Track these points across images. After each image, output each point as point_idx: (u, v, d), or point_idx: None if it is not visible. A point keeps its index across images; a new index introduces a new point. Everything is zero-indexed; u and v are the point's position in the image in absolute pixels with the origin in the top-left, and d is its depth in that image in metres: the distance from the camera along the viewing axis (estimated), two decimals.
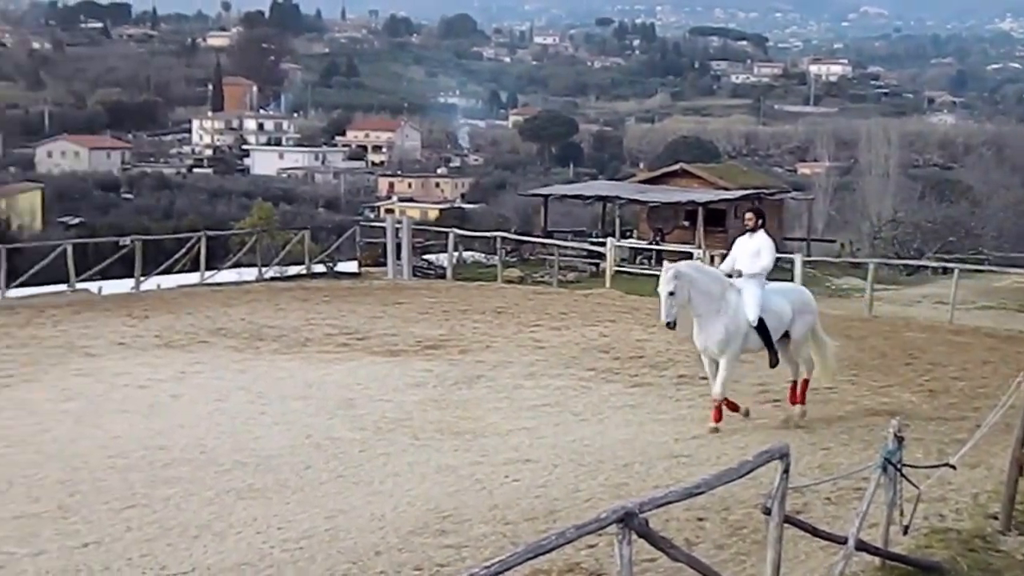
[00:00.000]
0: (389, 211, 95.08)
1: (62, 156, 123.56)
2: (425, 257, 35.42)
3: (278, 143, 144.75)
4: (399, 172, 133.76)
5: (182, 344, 19.66)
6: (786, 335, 14.24)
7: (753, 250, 14.09)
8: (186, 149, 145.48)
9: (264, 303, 24.61)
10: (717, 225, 41.57)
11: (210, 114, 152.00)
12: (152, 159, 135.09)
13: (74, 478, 11.75)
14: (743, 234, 14.59)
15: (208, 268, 29.79)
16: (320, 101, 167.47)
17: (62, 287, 27.05)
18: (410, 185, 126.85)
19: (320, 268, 32.88)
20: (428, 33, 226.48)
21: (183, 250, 29.86)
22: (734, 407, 14.08)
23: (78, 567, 9.40)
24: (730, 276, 14.04)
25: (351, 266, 34.14)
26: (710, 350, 13.86)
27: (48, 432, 13.71)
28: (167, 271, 29.26)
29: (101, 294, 26.43)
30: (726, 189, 44.31)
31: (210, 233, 31.99)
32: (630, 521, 6.42)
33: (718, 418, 13.76)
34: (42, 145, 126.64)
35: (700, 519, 10.35)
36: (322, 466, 12.31)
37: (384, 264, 32.73)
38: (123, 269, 28.93)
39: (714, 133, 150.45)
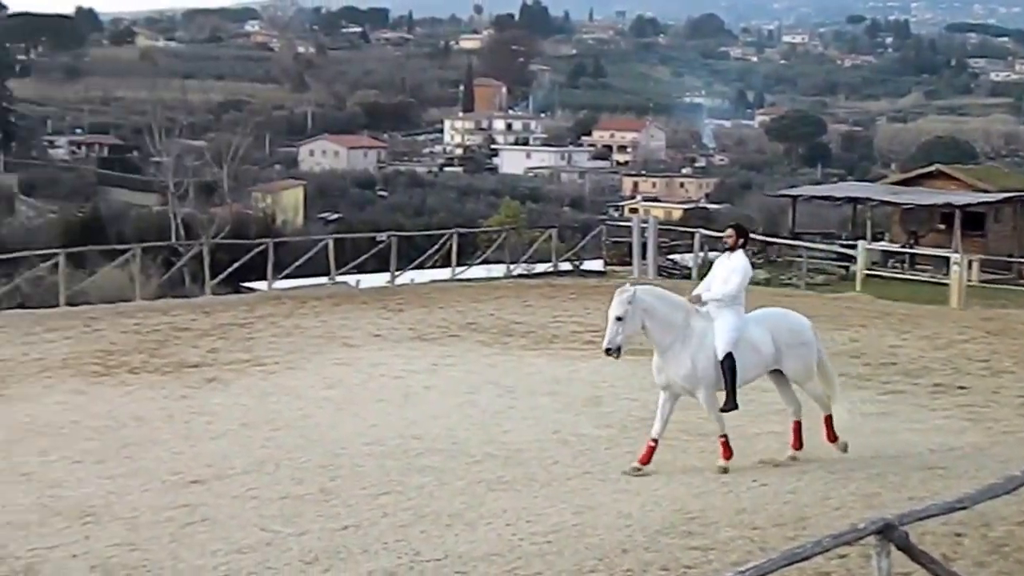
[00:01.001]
0: (633, 210, 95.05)
1: (323, 155, 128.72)
2: (670, 257, 35.36)
3: (525, 143, 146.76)
4: (643, 172, 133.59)
5: (434, 337, 20.25)
6: (778, 372, 12.48)
7: (727, 273, 12.23)
8: (438, 148, 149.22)
9: (512, 299, 25.04)
10: (975, 229, 40.00)
11: (461, 114, 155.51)
12: (406, 158, 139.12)
13: (334, 463, 12.28)
14: (723, 253, 12.66)
15: (458, 264, 30.54)
16: (567, 101, 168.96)
17: (323, 280, 28.32)
18: (654, 185, 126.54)
19: (567, 266, 33.25)
20: (675, 33, 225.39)
21: (435, 247, 30.73)
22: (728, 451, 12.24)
23: (338, 548, 9.83)
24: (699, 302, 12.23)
25: (597, 264, 34.39)
26: (676, 385, 12.09)
27: (310, 418, 14.40)
28: (420, 266, 30.20)
29: (359, 287, 27.49)
30: (985, 191, 42.50)
31: (460, 230, 32.81)
32: (890, 533, 6.31)
33: (728, 455, 12.18)
34: (305, 144, 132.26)
35: (958, 535, 9.98)
36: (569, 462, 12.48)
37: (629, 263, 32.85)
38: (378, 263, 30.01)
39: (971, 133, 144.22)
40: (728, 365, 11.93)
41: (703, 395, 12.07)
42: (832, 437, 12.64)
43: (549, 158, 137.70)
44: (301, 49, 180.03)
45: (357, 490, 11.40)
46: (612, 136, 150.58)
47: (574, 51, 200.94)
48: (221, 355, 18.56)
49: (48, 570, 9.29)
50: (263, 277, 28.58)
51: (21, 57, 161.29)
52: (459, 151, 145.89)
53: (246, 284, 30.18)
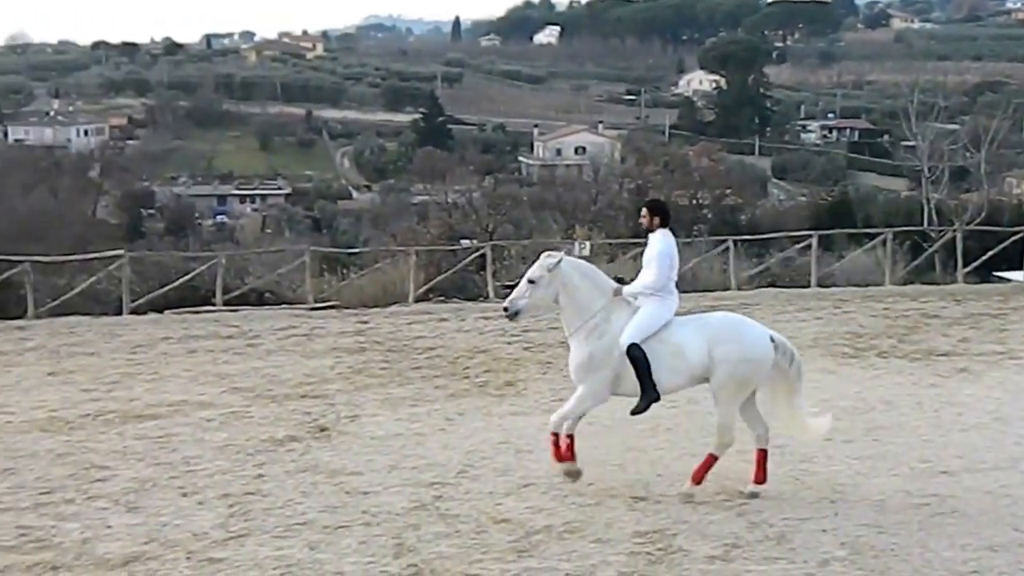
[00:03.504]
0: None
1: None
2: None
3: None
4: None
5: None
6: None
7: (648, 259, 10.69)
8: None
9: None
10: None
11: None
12: None
13: None
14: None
15: None
16: None
17: None
18: None
19: None
20: None
21: None
22: (568, 454, 10.76)
23: None
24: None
25: None
26: (572, 377, 10.73)
27: None
28: None
29: None
30: None
31: None
32: None
33: (558, 455, 10.78)
34: None
35: None
36: None
37: None
38: None
39: None
40: (636, 355, 10.35)
41: (583, 390, 10.58)
42: (757, 476, 10.67)
43: None
44: None
45: None
46: None
47: None
48: (972, 345, 18.04)
49: (799, 540, 9.58)
50: (1018, 267, 27.26)
51: (778, 44, 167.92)
52: None
53: (999, 273, 28.94)
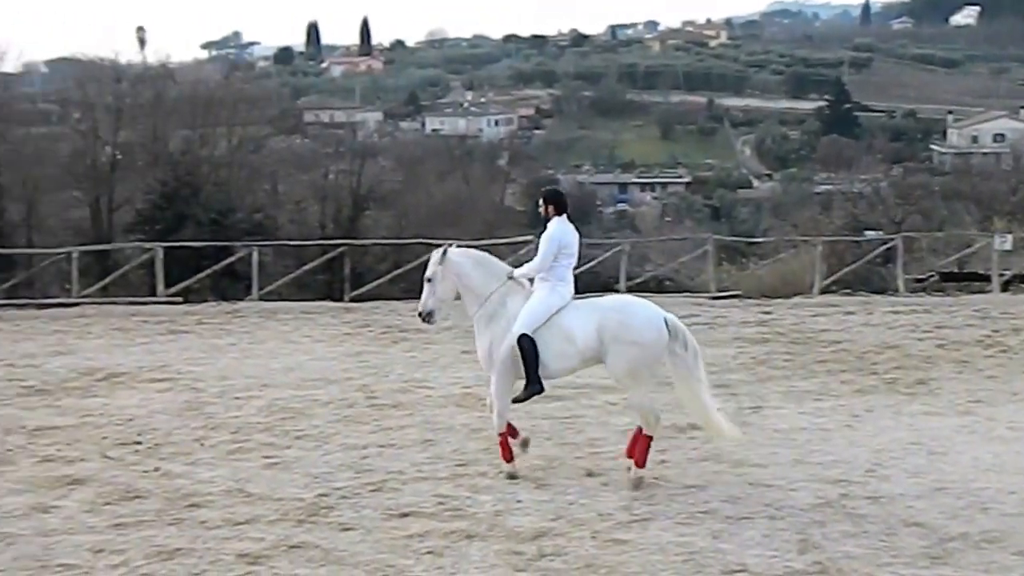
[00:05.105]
0: None
1: None
2: None
3: None
4: None
5: None
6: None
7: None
8: None
9: None
10: None
11: None
12: None
13: None
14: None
15: None
16: None
17: None
18: None
19: None
20: None
21: None
22: (513, 432, 11.05)
23: None
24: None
25: None
26: (483, 366, 11.07)
27: None
28: None
29: None
30: None
31: None
32: None
33: (507, 457, 10.92)
34: None
35: None
36: None
37: None
38: None
39: None
40: (525, 345, 10.48)
41: (494, 381, 10.81)
42: (638, 460, 10.58)
43: None
44: None
45: None
46: None
47: None
48: None
49: None
50: None
51: None
52: None
53: None
